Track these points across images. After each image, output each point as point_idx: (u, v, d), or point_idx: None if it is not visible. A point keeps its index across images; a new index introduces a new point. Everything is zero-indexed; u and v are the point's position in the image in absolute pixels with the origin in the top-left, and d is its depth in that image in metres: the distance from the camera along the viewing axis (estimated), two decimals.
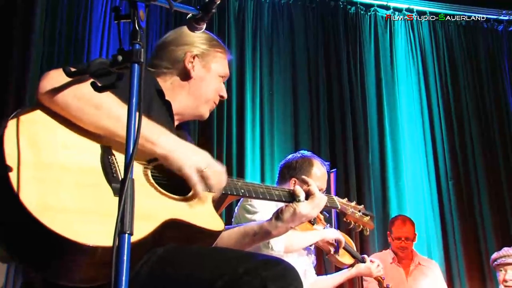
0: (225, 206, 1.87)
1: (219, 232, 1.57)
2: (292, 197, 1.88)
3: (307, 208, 1.85)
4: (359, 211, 2.36)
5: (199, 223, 1.51)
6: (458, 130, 5.98)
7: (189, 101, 1.87)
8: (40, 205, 1.23)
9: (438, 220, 5.60)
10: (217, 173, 1.58)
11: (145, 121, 1.43)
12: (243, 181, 1.80)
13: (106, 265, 1.26)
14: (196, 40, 1.88)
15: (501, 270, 3.95)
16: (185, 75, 1.85)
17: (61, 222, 1.23)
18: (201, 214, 1.56)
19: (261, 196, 1.81)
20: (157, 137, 1.49)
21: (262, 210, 2.75)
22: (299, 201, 1.85)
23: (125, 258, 1.08)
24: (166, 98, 1.78)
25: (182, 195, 1.56)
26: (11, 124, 1.35)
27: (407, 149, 5.80)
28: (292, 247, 2.67)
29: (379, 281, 3.41)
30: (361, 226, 2.37)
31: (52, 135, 1.40)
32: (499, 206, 5.78)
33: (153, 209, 1.44)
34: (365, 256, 3.27)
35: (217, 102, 1.95)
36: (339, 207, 2.28)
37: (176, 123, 1.86)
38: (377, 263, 3.25)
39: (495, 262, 4.03)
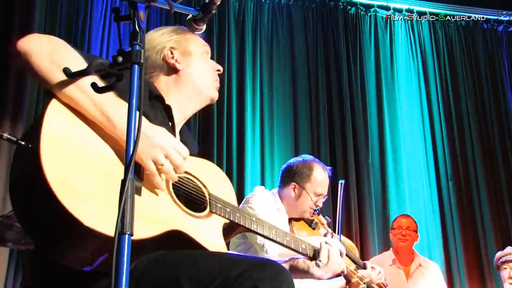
0: (236, 235, 1.85)
1: None
2: (311, 254, 1.85)
3: (321, 272, 1.85)
4: (364, 283, 2.40)
5: (202, 242, 1.52)
6: (458, 130, 5.98)
7: (189, 92, 1.82)
8: (60, 181, 1.25)
9: (438, 221, 5.60)
10: (177, 166, 1.47)
11: (111, 98, 1.41)
12: (260, 219, 1.80)
13: (104, 254, 1.29)
14: (163, 36, 1.85)
15: (505, 268, 3.97)
16: (174, 71, 1.82)
17: (73, 201, 1.25)
18: (208, 234, 1.56)
19: (272, 238, 1.79)
20: (118, 118, 1.39)
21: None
22: (318, 265, 1.83)
23: (125, 258, 1.08)
24: (167, 101, 1.76)
25: (196, 211, 1.58)
26: (54, 100, 1.36)
27: (407, 149, 5.79)
28: (285, 255, 2.66)
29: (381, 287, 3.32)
30: None
31: (89, 120, 1.40)
32: (498, 207, 5.78)
33: (164, 215, 1.45)
34: (367, 262, 3.17)
35: (218, 78, 1.90)
36: (345, 273, 2.30)
37: (182, 122, 1.85)
38: (378, 270, 3.12)
39: (500, 260, 4.04)
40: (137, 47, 1.24)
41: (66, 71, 1.36)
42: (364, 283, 2.38)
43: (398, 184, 5.63)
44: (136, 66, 1.23)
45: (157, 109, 1.70)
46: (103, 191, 1.33)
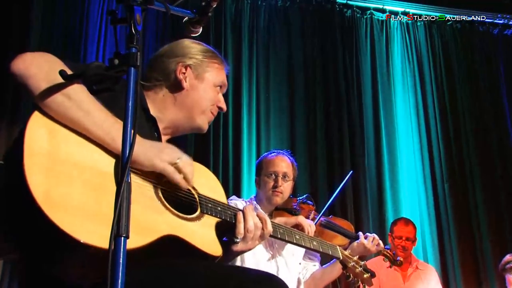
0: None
1: (215, 257, 1.57)
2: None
3: (241, 246, 1.74)
4: (360, 266, 2.37)
5: (197, 244, 1.52)
6: (454, 132, 5.99)
7: (182, 113, 1.80)
8: (45, 195, 1.24)
9: (433, 223, 5.60)
10: (188, 163, 1.56)
11: (112, 120, 1.42)
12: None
13: (95, 267, 1.26)
14: (190, 51, 1.83)
15: None
16: (177, 86, 1.79)
17: (60, 215, 1.24)
18: (202, 236, 1.56)
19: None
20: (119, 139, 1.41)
21: None
22: (235, 242, 1.73)
23: (121, 261, 1.08)
24: (158, 111, 1.75)
25: (187, 214, 1.58)
26: (36, 113, 1.36)
27: (403, 151, 5.81)
28: None
29: (385, 255, 3.09)
30: (359, 282, 2.38)
31: (74, 131, 1.40)
32: (495, 209, 5.79)
33: (154, 221, 1.44)
34: (360, 233, 2.99)
35: (215, 113, 1.89)
36: (341, 258, 2.29)
37: (167, 137, 1.83)
38: (371, 236, 2.96)
39: (508, 265, 4.02)
40: (134, 50, 1.24)
41: (62, 73, 1.35)
42: (360, 266, 2.37)
43: (394, 186, 5.63)
44: (133, 68, 1.23)
45: (142, 118, 1.68)
46: (92, 203, 1.31)
